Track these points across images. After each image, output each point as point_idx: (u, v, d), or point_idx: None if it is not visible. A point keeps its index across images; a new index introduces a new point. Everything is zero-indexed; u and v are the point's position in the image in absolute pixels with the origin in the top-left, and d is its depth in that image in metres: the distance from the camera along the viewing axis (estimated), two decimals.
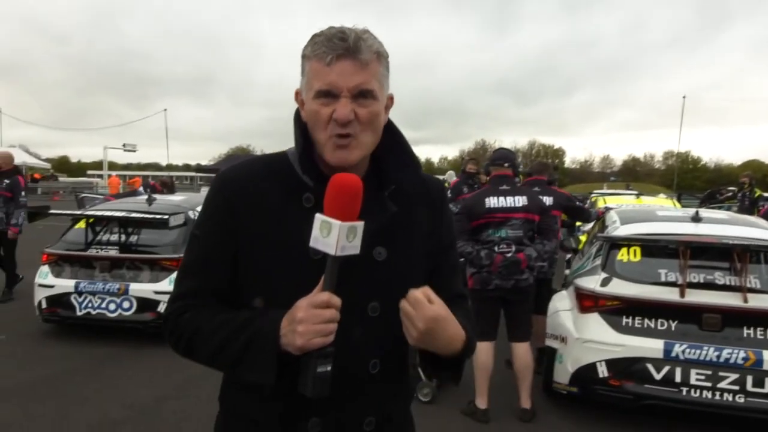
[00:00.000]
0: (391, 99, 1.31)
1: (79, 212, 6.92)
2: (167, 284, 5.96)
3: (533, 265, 4.42)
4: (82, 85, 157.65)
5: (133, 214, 6.27)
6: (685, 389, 3.95)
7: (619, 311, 4.20)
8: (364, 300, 1.24)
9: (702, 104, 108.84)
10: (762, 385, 3.85)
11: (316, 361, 1.13)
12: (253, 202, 1.26)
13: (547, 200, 5.32)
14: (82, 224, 6.60)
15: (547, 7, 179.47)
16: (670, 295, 4.13)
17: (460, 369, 1.34)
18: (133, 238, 6.35)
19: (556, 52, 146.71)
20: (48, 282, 6.17)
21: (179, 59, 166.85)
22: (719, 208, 14.03)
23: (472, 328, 1.35)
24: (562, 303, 4.72)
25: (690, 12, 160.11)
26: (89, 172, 74.38)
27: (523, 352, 4.43)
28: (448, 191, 9.81)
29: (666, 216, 5.38)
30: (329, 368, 1.15)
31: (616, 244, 4.59)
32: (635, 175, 79.15)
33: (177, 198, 7.46)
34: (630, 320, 4.16)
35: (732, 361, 3.88)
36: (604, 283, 4.33)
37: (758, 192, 11.53)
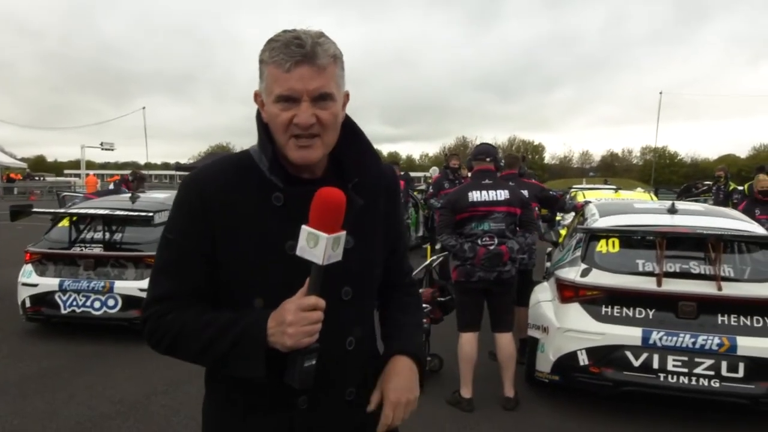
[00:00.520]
0: (347, 96, 1.37)
1: (62, 210, 6.89)
2: None
3: (515, 257, 4.52)
4: (58, 82, 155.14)
5: (118, 212, 6.27)
6: (662, 375, 4.08)
7: (598, 301, 4.32)
8: (338, 285, 1.33)
9: (679, 100, 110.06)
10: (736, 370, 3.99)
11: (303, 358, 1.23)
12: (226, 201, 1.31)
13: (523, 193, 5.43)
14: (65, 222, 6.57)
15: (529, 3, 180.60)
16: (648, 284, 4.26)
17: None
18: (118, 236, 6.35)
19: (537, 48, 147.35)
20: (31, 281, 6.14)
21: (158, 56, 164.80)
22: (695, 201, 14.30)
23: (419, 340, 1.60)
24: (543, 294, 4.84)
25: (668, 8, 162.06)
26: (66, 171, 73.38)
27: (506, 342, 4.53)
28: (430, 187, 9.92)
29: (643, 208, 5.52)
30: (314, 362, 1.25)
31: (596, 235, 4.71)
32: (614, 170, 79.92)
33: (161, 195, 7.45)
34: (609, 309, 4.29)
35: (707, 347, 4.01)
36: (584, 273, 4.45)
37: (732, 185, 11.77)
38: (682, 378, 4.06)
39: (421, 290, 4.37)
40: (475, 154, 4.83)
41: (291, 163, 1.32)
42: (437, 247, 6.78)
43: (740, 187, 10.01)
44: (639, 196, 13.05)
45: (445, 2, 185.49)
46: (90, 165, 60.96)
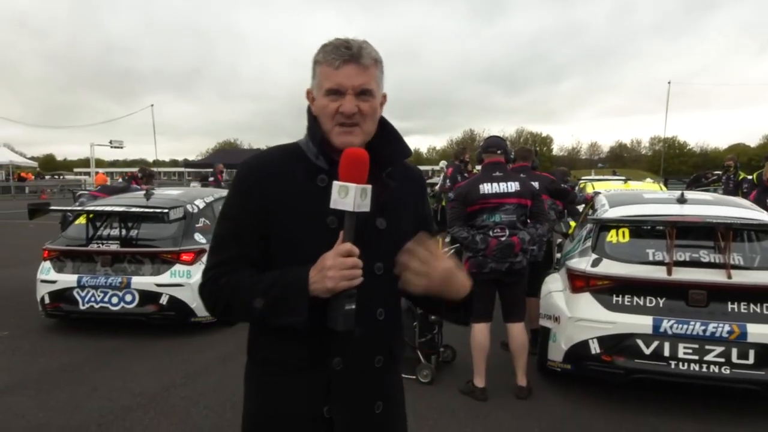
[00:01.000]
0: (384, 97, 1.59)
1: (79, 208, 7.01)
2: (168, 277, 6.10)
3: (527, 248, 4.58)
4: (66, 81, 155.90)
5: (133, 209, 6.37)
6: (673, 363, 4.14)
7: (609, 290, 4.38)
8: (371, 261, 1.47)
9: (688, 89, 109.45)
10: (746, 357, 4.04)
11: (344, 301, 1.38)
12: (278, 182, 1.52)
13: (534, 185, 5.48)
14: (82, 220, 6.69)
15: None
16: (658, 273, 4.31)
17: (471, 309, 1.61)
18: (134, 233, 6.45)
19: (543, 39, 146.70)
20: (50, 278, 6.27)
21: (165, 53, 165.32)
22: (705, 191, 14.26)
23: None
24: (555, 284, 4.90)
25: None
26: (76, 170, 73.84)
27: (518, 331, 4.60)
28: (447, 180, 9.98)
29: (653, 198, 5.55)
30: (354, 306, 1.39)
31: (606, 226, 4.76)
32: (622, 161, 79.65)
33: (175, 192, 7.55)
34: (620, 298, 4.34)
35: (717, 334, 4.06)
36: (595, 263, 4.50)
37: (742, 174, 11.73)
38: (693, 365, 4.11)
39: None
40: (485, 147, 4.88)
41: (335, 151, 1.49)
42: (447, 240, 6.84)
43: (750, 177, 9.99)
44: (648, 187, 13.03)
45: None
46: (99, 163, 61.43)
